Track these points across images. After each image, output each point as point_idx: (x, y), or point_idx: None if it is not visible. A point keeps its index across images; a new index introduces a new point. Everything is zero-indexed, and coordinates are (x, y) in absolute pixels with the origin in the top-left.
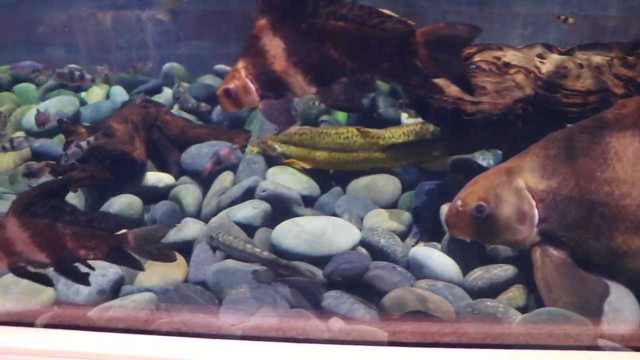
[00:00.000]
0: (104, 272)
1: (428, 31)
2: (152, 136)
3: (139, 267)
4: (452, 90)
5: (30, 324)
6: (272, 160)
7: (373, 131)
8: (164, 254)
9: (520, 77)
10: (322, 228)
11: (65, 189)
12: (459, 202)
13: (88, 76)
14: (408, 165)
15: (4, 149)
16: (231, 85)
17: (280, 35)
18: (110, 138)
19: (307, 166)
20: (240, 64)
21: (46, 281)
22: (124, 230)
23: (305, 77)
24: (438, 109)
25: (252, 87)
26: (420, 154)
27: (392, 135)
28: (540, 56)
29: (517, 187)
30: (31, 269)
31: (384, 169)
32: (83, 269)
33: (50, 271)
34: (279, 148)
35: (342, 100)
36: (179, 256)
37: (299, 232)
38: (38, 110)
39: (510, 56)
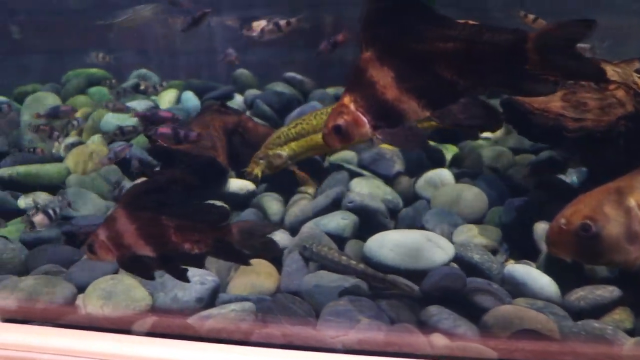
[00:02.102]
0: (202, 279)
1: (538, 35)
2: (233, 143)
3: (245, 262)
4: (554, 106)
5: (127, 331)
6: (279, 170)
7: None
8: (269, 248)
9: (620, 94)
10: (417, 242)
11: (174, 184)
12: (563, 220)
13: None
14: None
15: (115, 136)
16: (341, 121)
17: (388, 65)
18: (194, 144)
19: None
20: (347, 99)
21: (150, 276)
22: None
23: (419, 102)
24: (538, 125)
25: (364, 119)
26: None
27: None
28: (639, 72)
29: (627, 206)
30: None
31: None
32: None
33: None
34: (284, 152)
35: (463, 118)
36: (269, 265)
37: (394, 246)
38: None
39: (609, 72)
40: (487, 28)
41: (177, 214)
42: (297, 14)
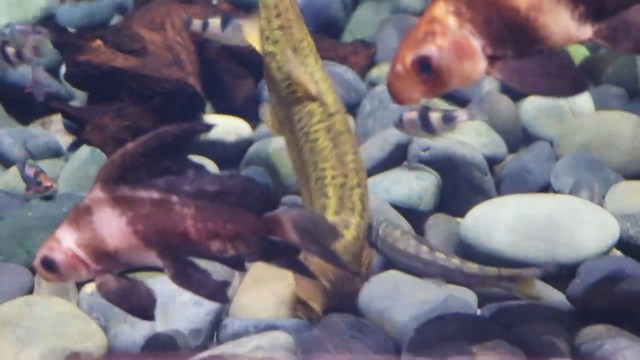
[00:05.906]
0: (195, 297)
1: None
2: (208, 54)
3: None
4: None
5: None
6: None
7: None
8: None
9: None
10: (554, 215)
11: (185, 140)
12: None
13: None
14: None
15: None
16: (432, 49)
17: None
18: (144, 57)
19: None
20: (442, 8)
21: (151, 315)
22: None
23: (574, 11)
24: None
25: (475, 45)
26: None
27: None
28: None
29: None
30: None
31: None
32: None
33: None
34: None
35: None
36: None
37: (516, 223)
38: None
39: None
40: None
41: (194, 193)
42: None
